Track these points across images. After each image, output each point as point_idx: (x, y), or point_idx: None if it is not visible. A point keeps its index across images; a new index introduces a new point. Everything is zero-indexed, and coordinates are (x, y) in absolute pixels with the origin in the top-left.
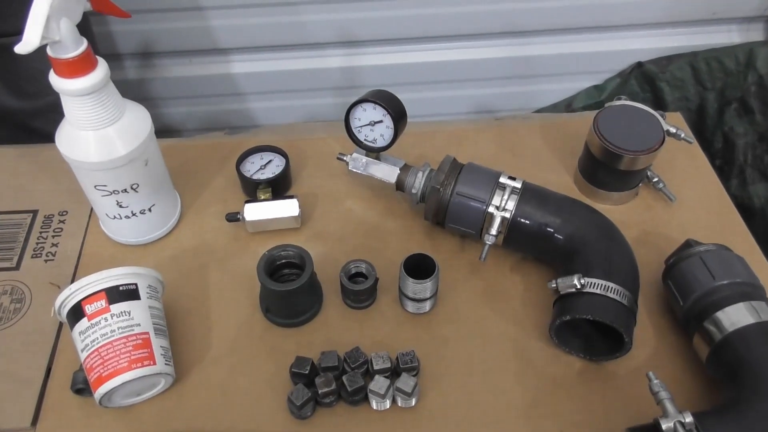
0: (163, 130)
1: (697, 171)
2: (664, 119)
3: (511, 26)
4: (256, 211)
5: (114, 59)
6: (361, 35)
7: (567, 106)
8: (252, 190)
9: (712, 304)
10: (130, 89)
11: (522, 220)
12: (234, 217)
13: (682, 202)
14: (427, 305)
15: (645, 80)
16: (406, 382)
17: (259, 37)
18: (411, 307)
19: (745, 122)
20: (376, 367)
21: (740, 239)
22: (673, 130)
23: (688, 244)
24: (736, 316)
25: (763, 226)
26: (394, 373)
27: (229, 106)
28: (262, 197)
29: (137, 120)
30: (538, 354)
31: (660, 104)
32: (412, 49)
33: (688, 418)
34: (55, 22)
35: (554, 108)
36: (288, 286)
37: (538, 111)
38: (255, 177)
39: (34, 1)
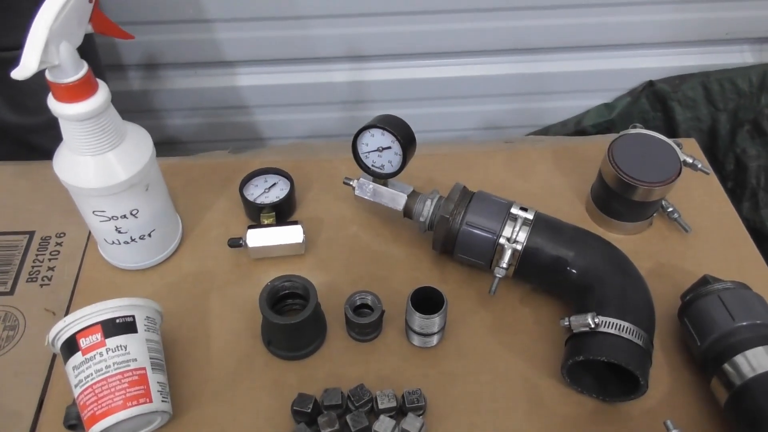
0: (166, 142)
1: (713, 201)
2: (680, 148)
3: (521, 43)
4: (259, 238)
5: (118, 70)
6: (368, 50)
7: (577, 123)
8: (255, 214)
9: (731, 346)
10: (134, 100)
11: (534, 252)
12: (236, 243)
13: (698, 233)
14: (435, 339)
15: (656, 99)
16: (412, 423)
17: (266, 50)
18: (417, 341)
19: (757, 144)
20: (381, 406)
21: (757, 273)
22: (689, 160)
23: (706, 280)
24: (756, 361)
25: None
26: (399, 412)
27: (234, 118)
28: (266, 222)
29: (138, 144)
30: (549, 392)
31: (671, 124)
32: (421, 65)
33: None
34: (55, 46)
35: (564, 126)
36: (291, 320)
37: (547, 128)
38: (259, 201)
39: (33, 24)
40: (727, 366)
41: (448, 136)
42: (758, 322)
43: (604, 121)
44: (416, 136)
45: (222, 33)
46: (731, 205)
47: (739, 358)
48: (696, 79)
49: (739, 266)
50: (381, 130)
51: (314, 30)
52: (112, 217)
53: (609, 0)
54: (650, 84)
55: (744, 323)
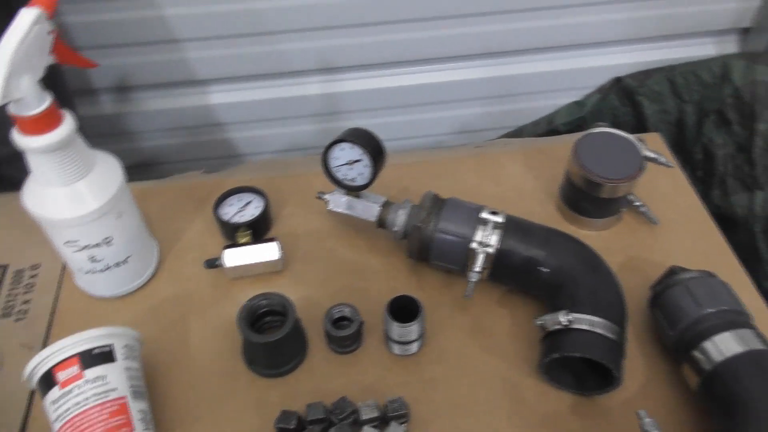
0: (143, 164)
1: (678, 193)
2: (643, 144)
3: (490, 47)
4: (235, 257)
5: (88, 94)
6: (340, 62)
7: (548, 122)
8: (231, 233)
9: (699, 333)
10: (107, 124)
11: (506, 255)
12: (213, 264)
13: (666, 224)
14: (414, 346)
15: (624, 95)
16: (394, 431)
17: (237, 67)
18: (397, 349)
19: (723, 133)
20: (363, 417)
21: (723, 261)
22: (652, 155)
23: (673, 271)
24: (723, 345)
25: (746, 235)
26: (383, 421)
27: (210, 137)
28: (242, 241)
29: (108, 172)
30: (528, 391)
31: (640, 118)
32: (392, 73)
33: None
34: (16, 80)
35: (536, 125)
36: (270, 337)
37: (521, 128)
38: (234, 220)
39: None
40: (696, 352)
41: (424, 142)
42: (724, 308)
43: (575, 118)
44: (392, 144)
45: (192, 52)
46: (696, 196)
47: (707, 344)
48: (661, 73)
49: (706, 255)
50: (350, 144)
51: (284, 45)
52: (86, 246)
53: (572, 2)
54: (617, 80)
55: (711, 310)
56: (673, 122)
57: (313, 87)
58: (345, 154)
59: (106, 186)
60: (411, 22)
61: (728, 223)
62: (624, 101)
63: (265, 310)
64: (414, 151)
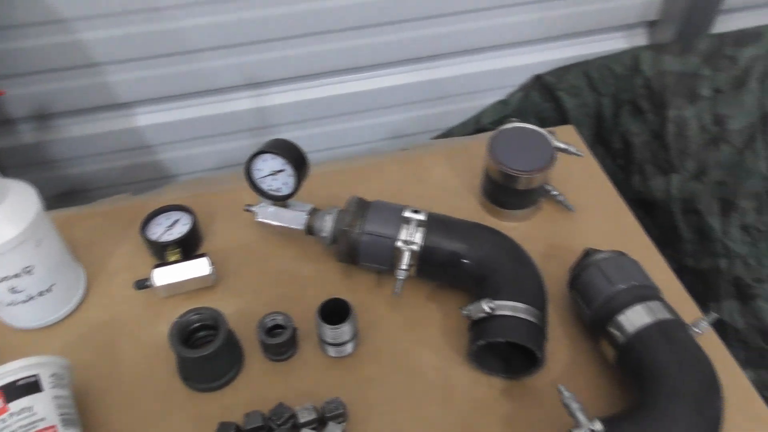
0: (69, 192)
1: (591, 180)
2: (554, 136)
3: (414, 53)
4: (165, 275)
5: (6, 125)
6: (265, 76)
7: (476, 122)
8: (160, 252)
9: (612, 309)
10: (28, 154)
11: (431, 251)
12: (143, 285)
13: (582, 211)
14: (349, 347)
15: (545, 91)
16: (332, 431)
17: (161, 87)
18: (333, 351)
19: (638, 122)
20: (301, 420)
21: (636, 240)
22: (563, 146)
23: (588, 253)
24: (635, 318)
25: (666, 217)
26: (321, 422)
27: (138, 159)
28: (172, 259)
29: (22, 200)
30: (461, 379)
31: (561, 112)
32: (320, 84)
33: (598, 426)
34: None
35: (464, 126)
36: (202, 352)
37: (450, 130)
38: (162, 239)
39: None
40: (611, 327)
41: (358, 150)
42: (635, 283)
43: (501, 117)
44: (326, 153)
45: (113, 75)
46: (609, 182)
47: (620, 318)
48: (578, 68)
49: (620, 236)
50: (272, 155)
51: (207, 62)
52: (4, 278)
53: (488, 4)
54: (538, 78)
55: (622, 286)
56: (592, 115)
57: (241, 102)
58: (267, 165)
59: (21, 215)
60: (334, 33)
61: (649, 206)
62: (545, 97)
63: (197, 325)
64: (341, 159)
